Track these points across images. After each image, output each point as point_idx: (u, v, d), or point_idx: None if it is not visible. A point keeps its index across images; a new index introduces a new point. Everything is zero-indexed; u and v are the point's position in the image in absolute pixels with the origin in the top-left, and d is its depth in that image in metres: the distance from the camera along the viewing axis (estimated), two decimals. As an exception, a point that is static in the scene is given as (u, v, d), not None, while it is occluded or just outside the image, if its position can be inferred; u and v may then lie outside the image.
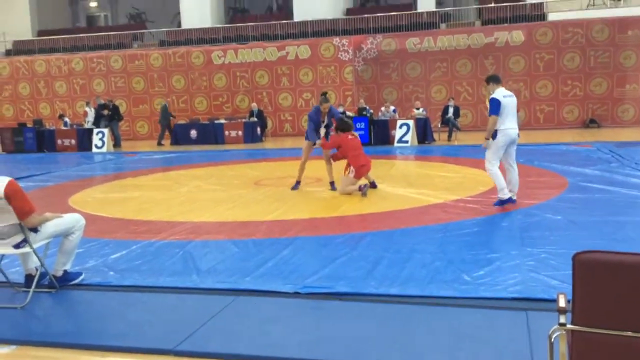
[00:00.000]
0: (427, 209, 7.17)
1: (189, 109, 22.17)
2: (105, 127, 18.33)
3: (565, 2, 20.30)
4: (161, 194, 9.23)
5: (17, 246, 4.34)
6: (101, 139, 17.85)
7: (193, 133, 19.41)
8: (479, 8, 22.57)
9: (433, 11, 22.12)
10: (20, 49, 24.89)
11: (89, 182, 11.25)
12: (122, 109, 20.45)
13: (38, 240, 4.41)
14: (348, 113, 17.51)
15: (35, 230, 4.37)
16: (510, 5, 20.94)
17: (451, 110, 16.99)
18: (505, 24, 20.33)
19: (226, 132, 19.05)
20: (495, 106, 6.70)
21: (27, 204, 4.22)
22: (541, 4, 20.80)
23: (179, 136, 19.51)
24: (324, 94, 8.86)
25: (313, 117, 8.71)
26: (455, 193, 8.10)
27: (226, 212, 7.60)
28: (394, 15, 22.06)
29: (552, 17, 20.06)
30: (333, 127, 8.85)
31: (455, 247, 5.29)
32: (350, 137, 8.64)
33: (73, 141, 18.37)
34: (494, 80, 6.99)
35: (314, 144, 8.70)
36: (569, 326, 2.09)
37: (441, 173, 10.38)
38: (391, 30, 21.59)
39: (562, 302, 2.15)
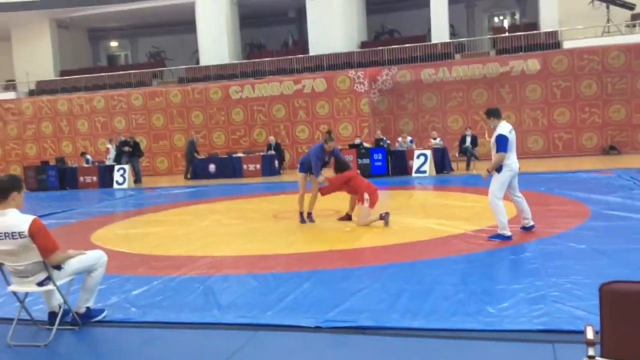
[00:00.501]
0: (447, 239, 7.11)
1: (208, 143, 22.43)
2: (127, 163, 18.59)
3: (580, 30, 20.34)
4: (181, 229, 9.28)
5: (40, 284, 4.39)
6: (122, 175, 18.09)
7: (212, 167, 19.60)
8: (493, 38, 22.70)
9: (447, 42, 22.29)
10: (43, 88, 25.52)
11: (111, 218, 11.37)
12: (142, 145, 20.75)
13: (61, 278, 4.45)
14: (365, 144, 17.59)
15: (58, 267, 4.42)
16: (524, 35, 21.04)
17: (469, 139, 16.96)
18: (520, 53, 20.40)
19: (244, 166, 19.21)
20: (504, 143, 6.73)
21: (51, 241, 4.28)
22: (555, 32, 20.87)
23: (198, 170, 19.71)
24: (329, 132, 8.98)
25: (319, 154, 8.74)
26: (476, 223, 8.03)
27: (245, 245, 7.61)
28: (408, 47, 22.29)
29: (567, 44, 20.09)
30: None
31: (477, 279, 5.23)
32: (357, 172, 9.09)
33: (95, 178, 18.64)
34: (495, 114, 6.97)
35: (307, 174, 8.85)
36: (598, 359, 2.05)
37: (460, 203, 10.31)
38: (406, 61, 21.77)
39: (590, 334, 2.11)
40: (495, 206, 6.84)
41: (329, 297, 4.98)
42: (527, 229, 7.16)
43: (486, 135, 8.32)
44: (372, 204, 8.45)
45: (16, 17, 25.44)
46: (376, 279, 5.43)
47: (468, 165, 16.74)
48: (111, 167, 18.57)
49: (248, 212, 10.78)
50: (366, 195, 8.40)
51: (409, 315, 4.33)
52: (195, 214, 11.01)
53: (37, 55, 26.36)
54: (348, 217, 8.93)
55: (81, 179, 18.80)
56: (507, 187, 6.98)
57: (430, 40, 23.05)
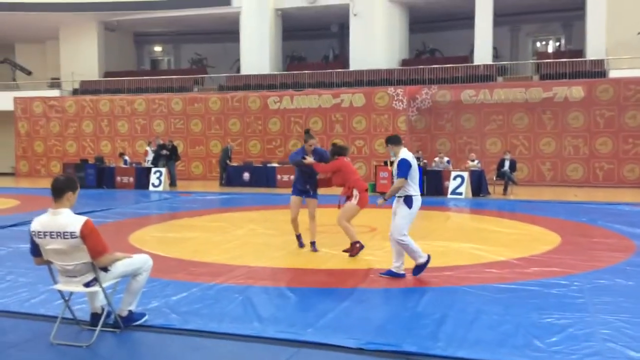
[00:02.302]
0: (489, 266, 6.96)
1: (243, 151, 22.59)
2: (164, 166, 18.83)
3: (627, 60, 19.93)
4: (217, 236, 9.31)
5: (87, 285, 4.42)
6: (158, 177, 18.32)
7: (246, 175, 19.72)
8: (537, 62, 22.40)
9: (490, 64, 22.08)
10: (86, 88, 26.09)
11: (147, 220, 11.50)
12: (179, 150, 20.99)
13: (107, 280, 4.48)
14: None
15: (105, 269, 4.45)
16: (569, 62, 20.72)
17: (507, 163, 16.70)
18: (564, 79, 20.07)
19: (278, 176, 19.27)
20: (406, 168, 6.15)
21: (101, 243, 4.31)
22: (601, 60, 20.50)
23: (232, 178, 19.85)
24: (307, 131, 8.09)
25: (295, 157, 7.85)
26: (517, 251, 7.86)
27: (282, 257, 7.60)
28: (449, 67, 22.15)
29: (613, 74, 19.71)
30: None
31: (523, 310, 5.08)
32: (347, 159, 7.85)
33: (131, 179, 18.92)
34: (393, 142, 6.48)
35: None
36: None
37: (499, 228, 10.13)
38: (446, 81, 21.63)
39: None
40: (404, 243, 6.19)
41: (370, 318, 4.91)
42: (395, 275, 6.30)
43: (389, 166, 7.82)
44: (363, 204, 7.48)
45: (65, 17, 26.12)
46: (417, 302, 5.34)
47: (505, 189, 16.47)
48: (148, 169, 18.82)
49: (282, 223, 10.73)
50: (355, 192, 7.45)
51: (454, 344, 4.22)
52: (230, 222, 11.05)
53: (83, 56, 26.99)
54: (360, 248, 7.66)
55: (118, 179, 19.10)
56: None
57: (472, 62, 22.87)
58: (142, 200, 15.23)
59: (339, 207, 7.63)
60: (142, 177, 18.74)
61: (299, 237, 8.16)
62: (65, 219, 4.24)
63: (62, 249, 4.27)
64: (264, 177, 19.42)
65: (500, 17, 23.22)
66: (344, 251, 7.59)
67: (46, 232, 4.26)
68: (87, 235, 4.22)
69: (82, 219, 4.26)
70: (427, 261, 6.30)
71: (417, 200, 6.26)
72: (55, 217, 4.26)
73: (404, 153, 6.33)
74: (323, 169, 7.72)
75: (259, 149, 22.66)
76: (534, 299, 5.47)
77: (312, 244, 7.95)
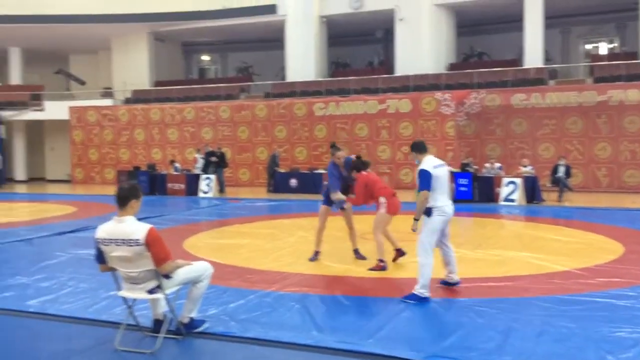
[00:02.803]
0: (551, 276, 6.73)
1: (290, 158, 22.68)
2: (213, 173, 19.09)
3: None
4: (269, 243, 9.34)
5: (150, 292, 4.47)
6: (208, 184, 18.58)
7: (293, 182, 19.78)
8: (591, 65, 21.72)
9: (541, 67, 21.55)
10: (138, 97, 26.75)
11: (199, 227, 11.64)
12: (227, 156, 21.25)
13: (170, 287, 4.53)
14: (450, 168, 17.17)
15: (167, 276, 4.49)
16: (624, 64, 20.01)
17: (562, 169, 16.21)
18: (620, 82, 19.38)
19: (325, 182, 19.20)
20: (425, 180, 5.62)
21: (165, 250, 4.36)
22: (660, 61, 19.72)
23: (279, 184, 19.95)
24: (333, 144, 7.85)
25: (333, 172, 7.59)
26: (579, 260, 7.58)
27: (335, 265, 7.53)
28: (498, 70, 21.72)
29: (672, 75, 18.93)
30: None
31: (592, 323, 4.87)
32: (366, 172, 7.47)
33: (182, 185, 19.25)
34: (416, 148, 5.90)
35: (331, 205, 7.68)
36: None
37: (558, 237, 9.80)
38: (495, 85, 21.19)
39: None
40: (421, 261, 5.69)
41: (431, 329, 4.81)
42: (449, 285, 6.10)
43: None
44: (393, 210, 7.18)
45: (117, 28, 26.87)
46: (479, 313, 5.19)
47: (560, 196, 15.98)
48: (198, 176, 19.12)
49: (333, 230, 10.65)
50: (381, 199, 7.19)
51: (523, 359, 4.08)
52: (280, 229, 11.08)
53: (134, 66, 27.71)
54: (400, 253, 7.57)
55: (169, 185, 19.47)
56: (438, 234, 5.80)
57: (522, 65, 22.37)
58: (193, 207, 15.46)
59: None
60: (192, 184, 19.05)
61: (316, 253, 7.86)
62: (130, 226, 4.31)
63: (127, 256, 4.33)
64: (311, 183, 19.42)
65: (550, 19, 22.64)
66: (393, 260, 7.47)
67: (111, 239, 4.33)
68: (151, 242, 4.27)
69: (147, 226, 4.32)
70: (425, 299, 5.59)
71: (439, 210, 5.69)
72: (120, 225, 4.33)
73: (426, 162, 5.76)
74: (358, 201, 7.46)
75: (306, 155, 22.71)
76: (602, 311, 5.25)
77: (355, 251, 7.87)
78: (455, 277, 6.13)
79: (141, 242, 4.26)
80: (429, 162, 5.75)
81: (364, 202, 7.47)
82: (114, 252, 4.36)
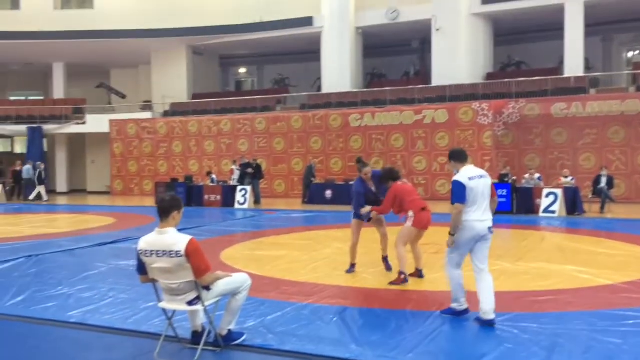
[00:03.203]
0: (596, 290, 6.52)
1: (325, 169, 22.70)
2: (249, 184, 19.24)
3: None
4: (306, 255, 9.33)
5: (190, 303, 4.49)
6: (244, 195, 18.73)
7: (328, 193, 19.78)
8: (633, 73, 21.16)
9: (582, 76, 21.10)
10: (176, 110, 27.24)
11: (236, 238, 11.72)
12: (263, 168, 21.40)
13: (209, 299, 4.54)
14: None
15: (207, 288, 4.51)
16: (670, 70, 19.45)
17: (604, 180, 15.79)
18: (665, 90, 18.85)
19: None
20: (458, 192, 5.19)
21: (205, 262, 4.38)
22: None
23: (314, 195, 19.97)
24: (360, 159, 7.72)
25: (359, 189, 7.50)
26: (624, 274, 7.33)
27: (372, 277, 7.46)
28: (537, 79, 21.36)
29: None
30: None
31: (641, 340, 4.69)
32: (400, 182, 7.30)
33: (218, 197, 19.46)
34: (454, 157, 5.45)
35: (362, 218, 7.50)
36: None
37: (601, 249, 9.51)
38: (534, 94, 20.84)
39: None
40: (446, 272, 5.48)
41: (473, 344, 4.70)
42: (487, 324, 5.15)
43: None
44: (420, 224, 7.00)
45: (157, 43, 27.48)
46: (522, 329, 5.05)
47: (602, 207, 15.56)
48: (234, 187, 19.30)
49: (369, 242, 10.56)
50: (410, 213, 7.02)
51: (570, 376, 3.95)
52: (316, 240, 11.06)
53: (172, 79, 28.27)
54: (418, 273, 7.33)
55: (206, 197, 19.69)
56: (472, 255, 5.31)
57: (562, 73, 21.95)
58: (229, 218, 15.59)
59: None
60: (228, 195, 19.23)
61: (353, 265, 7.79)
62: (171, 238, 4.35)
63: (168, 267, 4.37)
64: (346, 194, 19.28)
65: (591, 27, 22.17)
66: (411, 275, 7.17)
67: (152, 250, 4.38)
68: (191, 253, 4.30)
69: (187, 237, 4.35)
70: (464, 311, 5.40)
71: (468, 225, 5.20)
72: (161, 237, 4.37)
73: (462, 172, 5.31)
74: (384, 209, 7.30)
75: (341, 166, 22.70)
76: (652, 327, 5.05)
77: (384, 259, 7.87)
78: (487, 315, 5.15)
79: (182, 253, 4.29)
80: (465, 173, 5.28)
81: (389, 211, 7.29)
82: (155, 264, 4.40)
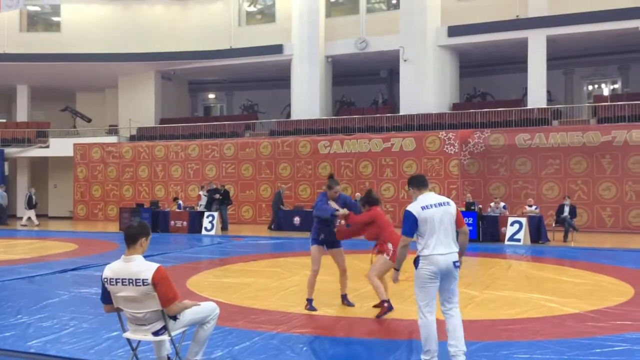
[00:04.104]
0: (563, 319, 6.58)
1: (293, 195, 22.64)
2: (216, 210, 19.03)
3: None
4: (274, 282, 9.21)
5: (156, 333, 4.36)
6: (211, 222, 18.49)
7: (297, 220, 19.70)
8: (594, 106, 21.87)
9: (545, 108, 21.69)
10: (143, 134, 26.91)
11: (203, 265, 11.52)
12: (231, 194, 21.22)
13: (176, 328, 4.42)
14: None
15: (174, 318, 4.39)
16: (628, 104, 20.14)
17: (567, 209, 16.14)
18: (624, 123, 19.48)
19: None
20: (407, 222, 4.80)
21: (172, 290, 4.27)
22: (663, 102, 19.85)
23: (282, 222, 19.86)
24: (331, 176, 7.25)
25: (319, 203, 7.06)
26: (590, 302, 7.44)
27: (341, 305, 7.38)
28: (502, 110, 21.87)
29: (676, 115, 19.02)
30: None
31: (609, 368, 4.74)
32: (381, 210, 7.06)
33: (185, 223, 19.16)
34: (413, 183, 5.05)
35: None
36: None
37: (566, 278, 9.66)
38: (499, 125, 21.32)
39: None
40: (419, 322, 4.79)
41: (444, 374, 4.65)
42: None
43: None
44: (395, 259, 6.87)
45: (125, 67, 27.23)
46: (490, 358, 5.05)
47: (566, 236, 15.86)
48: (201, 213, 19.04)
49: (337, 269, 10.57)
50: (390, 246, 6.74)
51: (541, 405, 3.94)
52: (285, 267, 10.94)
53: (140, 104, 27.97)
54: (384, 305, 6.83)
55: (172, 223, 19.37)
56: (440, 293, 4.82)
57: (525, 105, 22.53)
58: (196, 245, 15.34)
59: (373, 251, 7.06)
60: (195, 221, 18.96)
61: (310, 301, 7.18)
62: (138, 265, 4.23)
63: (133, 296, 4.24)
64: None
65: (553, 60, 22.91)
66: (374, 306, 7.01)
67: (118, 279, 4.25)
68: (158, 282, 4.19)
69: (154, 265, 4.25)
70: None
71: (427, 261, 4.72)
72: (127, 264, 4.25)
73: (418, 200, 4.91)
74: (358, 220, 6.96)
75: (309, 193, 22.67)
76: (618, 356, 5.11)
77: (344, 297, 7.33)
78: (460, 356, 4.71)
79: (148, 281, 4.17)
80: (419, 202, 4.86)
81: (358, 230, 7.06)
82: (120, 292, 4.27)
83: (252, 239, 16.66)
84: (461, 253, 4.90)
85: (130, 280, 4.20)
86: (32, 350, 5.41)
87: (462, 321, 4.80)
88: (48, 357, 5.23)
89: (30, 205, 22.83)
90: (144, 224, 4.43)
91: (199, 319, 4.56)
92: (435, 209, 4.79)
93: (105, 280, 4.31)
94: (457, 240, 4.92)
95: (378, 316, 6.67)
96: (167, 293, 4.22)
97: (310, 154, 22.73)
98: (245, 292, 8.38)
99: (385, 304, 6.70)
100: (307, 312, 7.02)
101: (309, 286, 7.25)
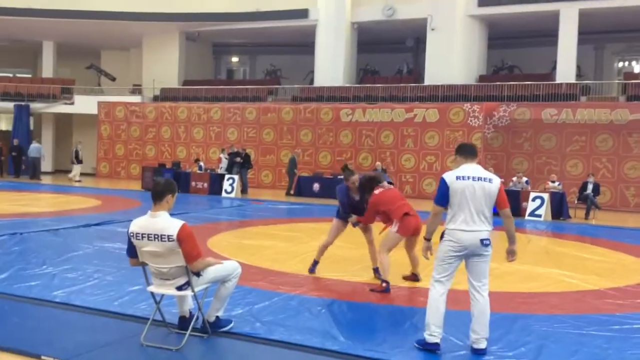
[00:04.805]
0: (582, 295, 6.57)
1: (313, 162, 22.67)
2: (237, 173, 19.15)
3: None
4: (294, 246, 9.30)
5: (179, 288, 4.45)
6: (231, 184, 18.63)
7: (316, 186, 19.75)
8: (625, 83, 21.35)
9: (573, 83, 21.24)
10: (166, 95, 26.98)
11: (223, 226, 11.66)
12: (251, 158, 21.29)
13: (199, 285, 4.50)
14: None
15: (197, 274, 4.46)
16: (659, 82, 19.65)
17: (590, 186, 15.93)
18: (654, 101, 19.05)
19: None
20: (439, 192, 4.49)
21: (196, 248, 4.33)
22: (697, 81, 19.30)
23: (302, 188, 19.93)
24: (346, 167, 7.18)
25: (343, 198, 7.06)
26: (610, 280, 7.41)
27: (360, 271, 7.44)
28: (530, 84, 21.47)
29: None
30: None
31: (627, 345, 4.73)
32: (380, 190, 6.77)
33: (205, 184, 19.34)
34: (459, 151, 4.66)
35: (346, 222, 7.10)
36: None
37: (586, 255, 9.60)
38: (526, 99, 20.96)
39: None
40: (429, 293, 4.57)
41: (462, 343, 4.69)
42: (476, 353, 4.42)
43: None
44: (406, 231, 6.54)
45: (150, 27, 27.14)
46: (508, 329, 5.07)
47: (587, 214, 15.70)
48: (221, 176, 19.19)
49: (358, 237, 10.57)
50: (395, 220, 6.60)
51: (557, 377, 3.97)
52: (305, 232, 11.04)
53: (164, 64, 27.95)
54: (414, 277, 7.02)
55: (193, 184, 19.57)
56: (467, 271, 4.53)
57: (554, 80, 22.08)
58: (216, 206, 15.50)
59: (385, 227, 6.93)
60: (215, 183, 19.12)
61: (316, 263, 7.27)
62: (164, 222, 4.29)
63: (158, 251, 4.31)
64: (333, 188, 19.27)
65: (584, 35, 22.32)
66: (404, 278, 6.98)
67: (144, 234, 4.32)
68: (183, 239, 4.25)
69: (180, 222, 4.30)
70: (433, 346, 4.44)
71: (450, 235, 4.44)
72: (153, 220, 4.31)
73: (456, 170, 4.55)
74: (366, 220, 6.89)
75: (329, 160, 22.67)
76: (636, 333, 5.09)
77: (375, 270, 7.08)
78: (482, 342, 4.42)
79: (173, 237, 4.24)
80: (456, 171, 4.51)
81: (374, 221, 6.93)
82: (145, 247, 4.35)
83: (271, 203, 16.77)
84: (510, 240, 4.61)
85: (156, 236, 4.27)
86: (57, 300, 5.56)
87: (489, 306, 4.50)
88: (73, 306, 5.37)
89: (77, 160, 23.23)
90: (170, 181, 4.47)
91: (222, 277, 4.64)
92: (472, 182, 4.40)
93: (132, 234, 4.38)
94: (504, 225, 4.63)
95: (373, 290, 6.42)
96: (191, 250, 4.28)
97: (332, 121, 22.63)
98: (264, 254, 8.48)
99: (384, 284, 6.41)
100: (326, 276, 7.08)
101: (318, 251, 7.33)
